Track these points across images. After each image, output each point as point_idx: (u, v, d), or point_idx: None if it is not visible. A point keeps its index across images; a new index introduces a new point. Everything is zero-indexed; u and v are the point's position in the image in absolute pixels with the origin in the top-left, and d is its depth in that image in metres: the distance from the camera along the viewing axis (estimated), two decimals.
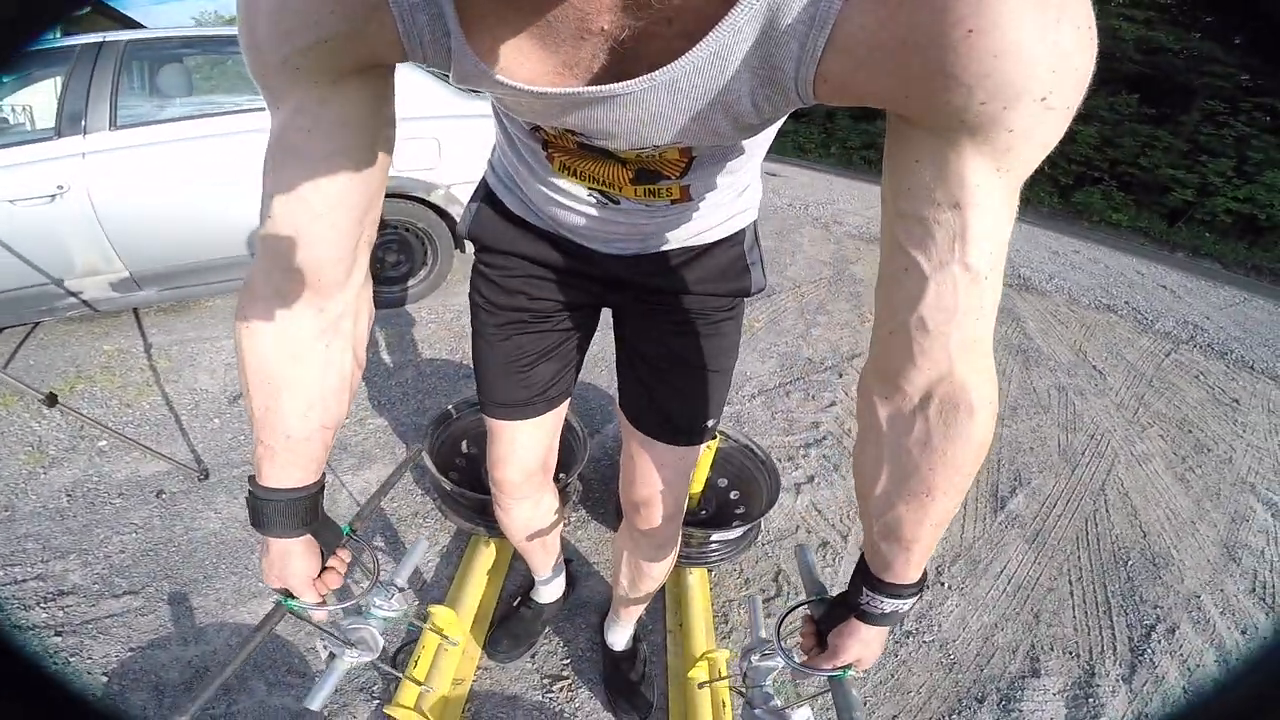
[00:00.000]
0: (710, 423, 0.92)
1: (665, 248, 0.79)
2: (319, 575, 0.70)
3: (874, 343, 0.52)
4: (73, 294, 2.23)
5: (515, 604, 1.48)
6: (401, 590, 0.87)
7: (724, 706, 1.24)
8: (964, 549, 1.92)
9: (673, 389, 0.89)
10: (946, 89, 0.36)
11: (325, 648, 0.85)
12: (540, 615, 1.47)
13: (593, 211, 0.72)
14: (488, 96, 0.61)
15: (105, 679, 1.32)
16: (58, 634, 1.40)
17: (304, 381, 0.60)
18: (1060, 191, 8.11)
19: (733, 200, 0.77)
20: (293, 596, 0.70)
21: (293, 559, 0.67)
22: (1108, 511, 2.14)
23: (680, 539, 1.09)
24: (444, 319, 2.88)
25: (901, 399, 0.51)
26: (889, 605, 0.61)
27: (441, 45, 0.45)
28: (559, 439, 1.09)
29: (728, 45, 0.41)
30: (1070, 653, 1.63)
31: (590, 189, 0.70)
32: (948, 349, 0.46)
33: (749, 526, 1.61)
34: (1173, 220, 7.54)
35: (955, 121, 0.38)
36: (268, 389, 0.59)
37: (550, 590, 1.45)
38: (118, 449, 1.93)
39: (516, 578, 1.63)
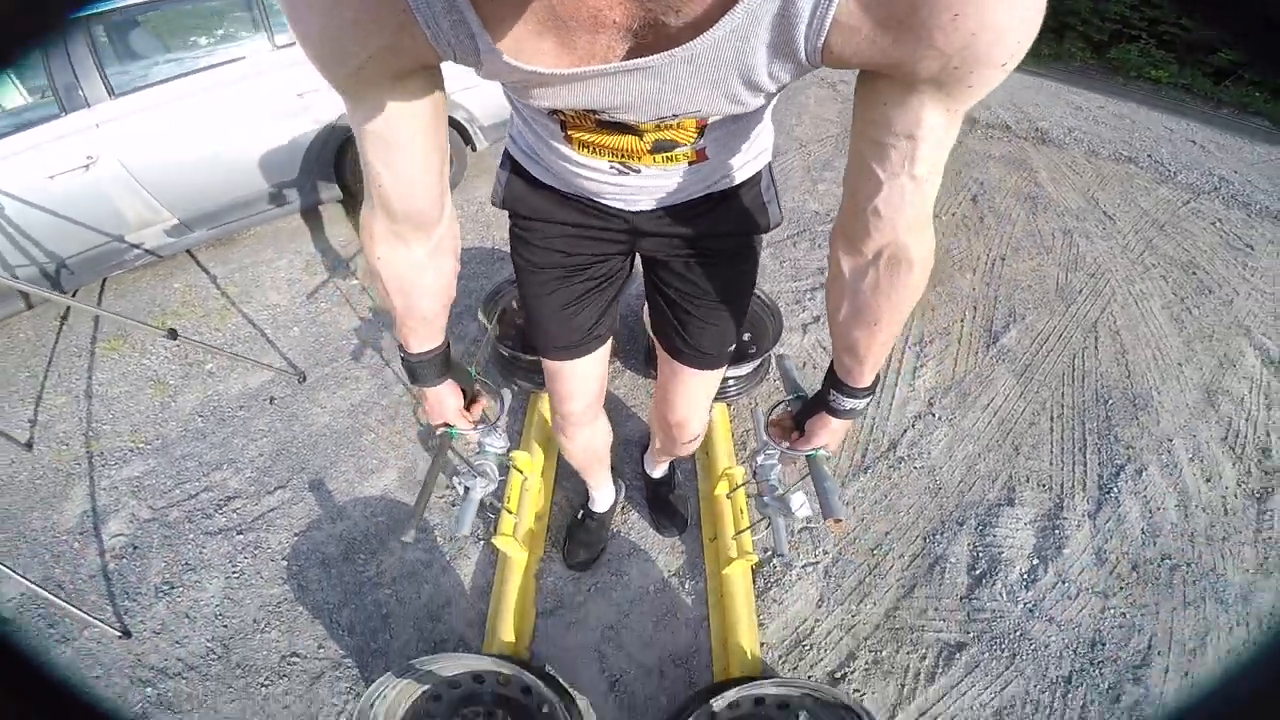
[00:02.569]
0: (733, 347, 1.07)
1: (686, 199, 0.86)
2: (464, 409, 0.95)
3: (841, 218, 0.66)
4: (135, 245, 2.45)
5: (580, 518, 1.68)
6: (503, 430, 1.09)
7: (742, 512, 1.55)
8: (955, 382, 2.14)
9: (701, 322, 1.01)
10: (928, 58, 0.44)
11: (460, 484, 1.10)
12: (603, 523, 1.67)
13: (614, 179, 0.79)
14: None
15: (285, 563, 1.71)
16: (239, 533, 1.79)
17: (426, 285, 0.79)
18: (1094, 47, 7.27)
19: (748, 148, 0.83)
20: (450, 428, 0.96)
21: (445, 399, 0.93)
22: (1096, 349, 2.31)
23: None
24: (468, 212, 3.03)
25: (860, 258, 0.66)
26: (848, 403, 0.81)
27: (468, 46, 0.50)
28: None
29: (742, 26, 0.46)
30: (1044, 486, 1.88)
31: (610, 162, 0.76)
32: (896, 227, 0.60)
33: (759, 362, 1.88)
34: (1219, 79, 6.79)
35: (926, 80, 0.46)
36: (403, 294, 0.79)
37: (605, 498, 1.65)
38: (223, 369, 2.25)
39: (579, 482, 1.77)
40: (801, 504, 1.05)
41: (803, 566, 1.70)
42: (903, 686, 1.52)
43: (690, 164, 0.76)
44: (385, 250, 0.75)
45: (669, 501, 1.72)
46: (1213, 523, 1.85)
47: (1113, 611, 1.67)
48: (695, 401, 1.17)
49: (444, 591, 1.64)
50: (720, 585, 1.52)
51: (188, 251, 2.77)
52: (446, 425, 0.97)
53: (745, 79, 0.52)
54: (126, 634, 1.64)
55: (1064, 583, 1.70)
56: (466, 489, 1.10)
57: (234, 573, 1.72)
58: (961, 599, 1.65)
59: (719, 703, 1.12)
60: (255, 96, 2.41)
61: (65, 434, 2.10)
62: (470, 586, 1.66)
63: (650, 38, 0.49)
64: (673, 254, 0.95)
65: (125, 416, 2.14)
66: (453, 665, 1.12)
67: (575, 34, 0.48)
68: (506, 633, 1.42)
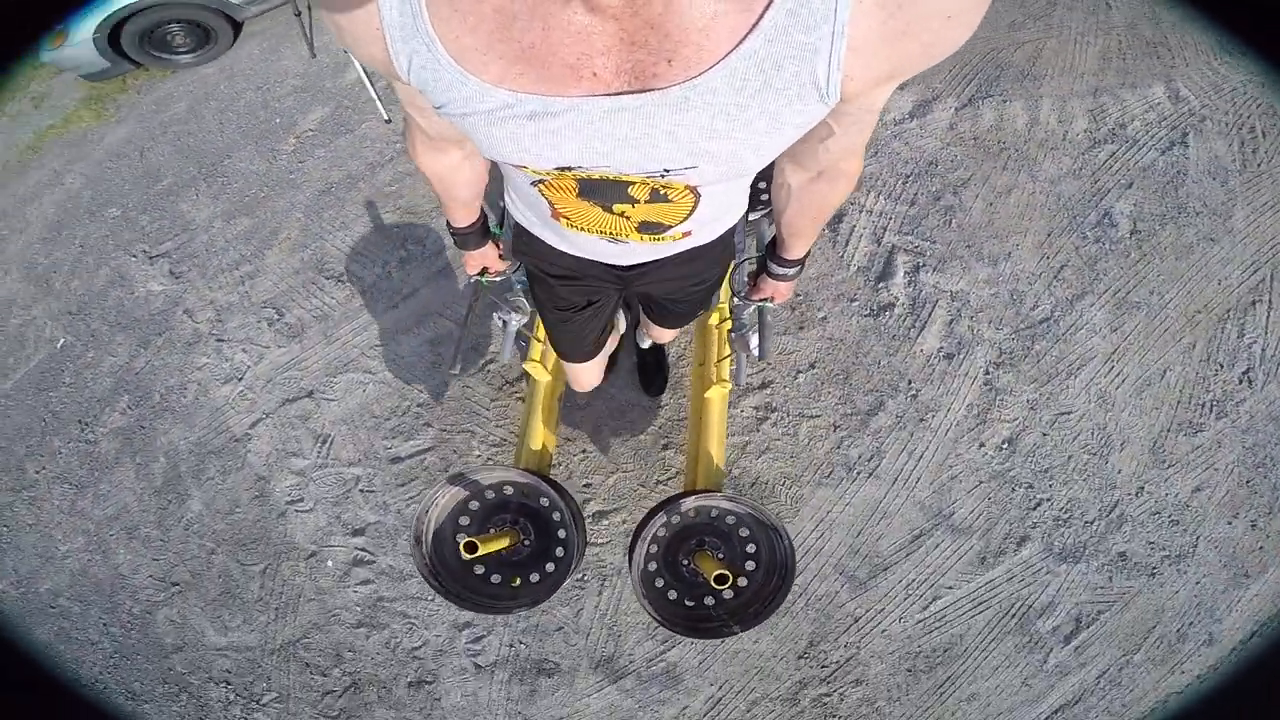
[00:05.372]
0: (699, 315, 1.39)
1: (670, 254, 0.94)
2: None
3: (790, 146, 0.66)
4: None
5: None
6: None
7: (724, 341, 1.58)
8: (931, 92, 2.64)
9: (674, 314, 1.30)
10: (920, 60, 0.49)
11: (499, 318, 1.21)
12: (614, 353, 2.03)
13: (605, 245, 0.86)
14: None
15: None
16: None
17: (461, 180, 0.93)
18: None
19: (729, 216, 0.91)
20: (482, 276, 1.15)
21: (484, 256, 1.13)
22: (1015, 53, 2.66)
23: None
24: None
25: (806, 174, 0.79)
26: (779, 270, 1.03)
27: (429, 75, 0.53)
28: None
29: (745, 69, 0.47)
30: (929, 89, 2.61)
31: (599, 236, 0.81)
32: (837, 157, 0.72)
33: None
34: None
35: (905, 76, 0.52)
36: (444, 187, 0.94)
37: (614, 341, 1.81)
38: None
39: None
40: (757, 344, 1.22)
41: None
42: None
43: (675, 241, 0.84)
44: (426, 158, 0.86)
45: (652, 370, 2.16)
46: (1048, 139, 2.52)
47: (950, 152, 2.51)
48: (667, 335, 1.71)
49: None
50: (700, 406, 1.62)
51: None
52: (480, 275, 1.16)
53: (752, 127, 0.51)
54: (388, 120, 2.87)
55: (922, 129, 2.56)
56: (504, 322, 1.24)
57: None
58: None
59: (686, 504, 1.28)
60: None
61: (334, 50, 3.27)
62: None
63: (638, 89, 0.49)
64: (657, 287, 1.11)
65: None
66: (489, 476, 1.31)
67: (548, 85, 0.49)
68: (534, 448, 1.55)
